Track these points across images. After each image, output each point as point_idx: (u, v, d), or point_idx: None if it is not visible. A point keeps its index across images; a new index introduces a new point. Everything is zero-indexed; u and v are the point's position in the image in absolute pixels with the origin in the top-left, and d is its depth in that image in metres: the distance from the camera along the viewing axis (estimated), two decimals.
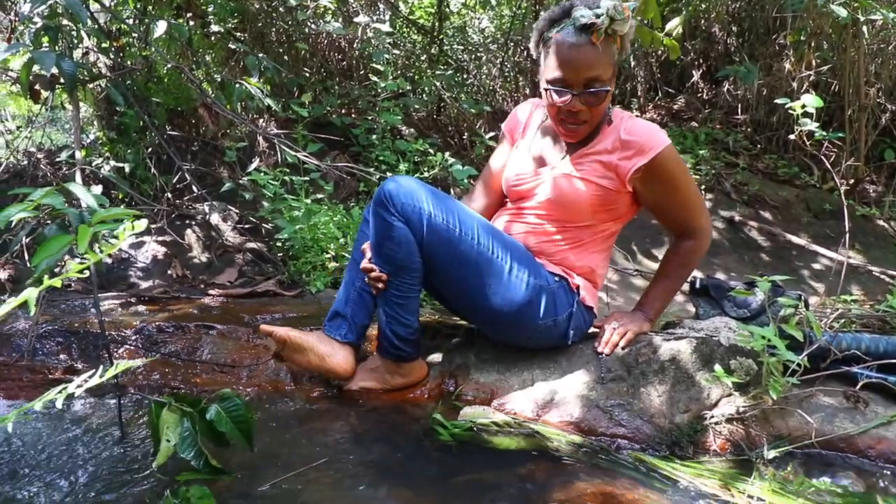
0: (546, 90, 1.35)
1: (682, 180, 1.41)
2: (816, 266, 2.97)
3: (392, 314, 1.41)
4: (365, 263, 1.42)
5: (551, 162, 1.47)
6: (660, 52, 4.52)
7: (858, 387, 1.34)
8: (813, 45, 3.66)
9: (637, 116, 1.43)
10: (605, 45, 1.29)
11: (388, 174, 3.09)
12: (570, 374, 1.43)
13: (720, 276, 2.85)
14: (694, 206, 1.44)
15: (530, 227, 1.47)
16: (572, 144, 1.45)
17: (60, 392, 0.73)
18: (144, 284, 2.43)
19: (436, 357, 1.59)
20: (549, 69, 1.33)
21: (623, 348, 1.42)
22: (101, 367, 0.79)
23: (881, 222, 3.40)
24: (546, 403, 1.40)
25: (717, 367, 1.31)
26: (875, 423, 1.28)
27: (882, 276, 2.78)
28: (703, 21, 4.60)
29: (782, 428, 1.30)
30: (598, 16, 1.26)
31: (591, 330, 1.53)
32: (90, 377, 0.76)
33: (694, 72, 4.70)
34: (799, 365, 1.28)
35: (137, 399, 1.44)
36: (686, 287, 1.63)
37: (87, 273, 0.72)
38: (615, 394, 1.37)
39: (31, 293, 0.65)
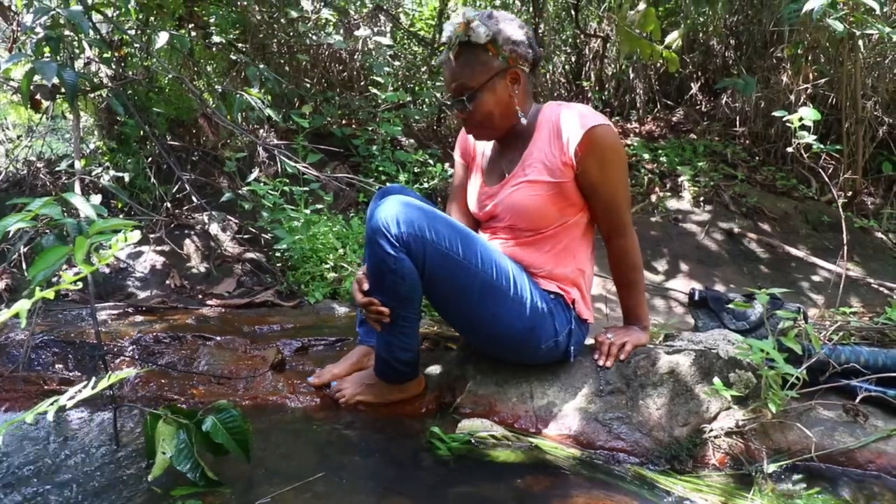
0: None
1: (619, 167, 1.37)
2: (815, 278, 2.97)
3: (395, 342, 1.38)
4: (362, 297, 1.35)
5: (503, 175, 1.46)
6: (658, 64, 4.55)
7: (858, 400, 1.34)
8: (810, 58, 3.68)
9: (580, 103, 1.44)
10: (469, 55, 1.34)
11: (388, 184, 3.09)
12: (568, 387, 1.42)
13: (719, 287, 2.85)
14: (624, 199, 1.41)
15: (510, 243, 1.44)
16: (515, 151, 1.44)
17: (52, 404, 0.72)
18: (142, 294, 2.42)
19: (434, 369, 1.59)
20: None
21: (623, 360, 1.41)
22: (94, 378, 0.78)
23: (879, 234, 3.41)
24: (544, 416, 1.39)
25: (716, 380, 1.30)
26: (874, 437, 1.27)
27: (881, 288, 2.78)
28: (701, 34, 4.64)
29: (782, 442, 1.29)
30: (451, 30, 1.34)
31: (588, 342, 1.52)
32: (82, 389, 0.75)
33: (692, 84, 4.73)
34: (798, 378, 1.27)
35: (133, 411, 1.42)
36: (685, 299, 1.62)
37: (80, 284, 0.71)
38: (614, 406, 1.36)
39: (23, 305, 0.64)
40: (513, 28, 1.35)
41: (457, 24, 1.32)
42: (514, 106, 1.38)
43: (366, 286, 1.35)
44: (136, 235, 0.73)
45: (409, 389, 1.48)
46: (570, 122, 1.35)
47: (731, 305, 1.58)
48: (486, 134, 1.43)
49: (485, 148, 1.55)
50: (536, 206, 1.38)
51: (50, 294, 0.67)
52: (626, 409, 1.35)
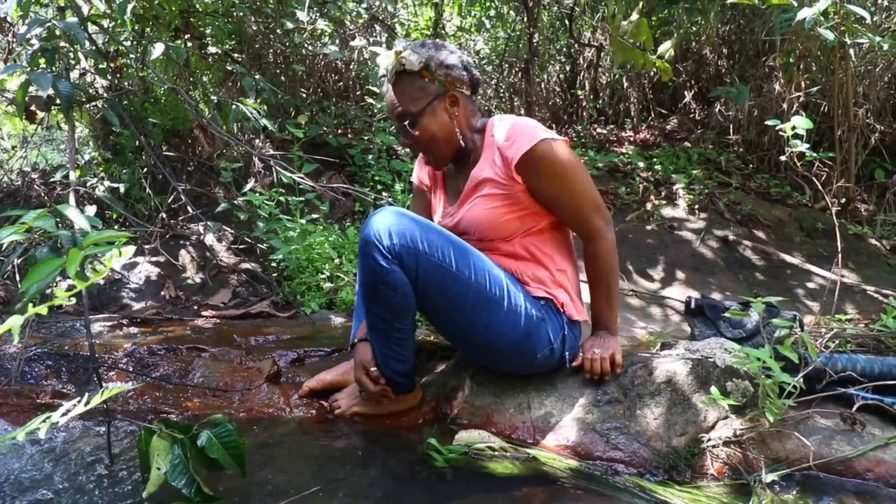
0: None
1: (570, 177, 1.36)
2: (811, 285, 2.98)
3: (391, 354, 1.37)
4: (373, 385, 1.38)
5: (458, 194, 1.47)
6: (652, 73, 4.58)
7: (855, 408, 1.33)
8: (802, 67, 3.71)
9: (521, 117, 1.44)
10: (406, 83, 1.38)
11: (384, 194, 3.09)
12: (566, 397, 1.42)
13: (715, 295, 2.85)
14: (587, 205, 1.40)
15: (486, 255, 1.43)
16: (467, 168, 1.45)
17: (44, 421, 0.71)
18: (137, 306, 2.40)
19: (430, 379, 1.58)
20: None
21: (619, 374, 1.40)
22: (87, 394, 0.77)
23: (873, 241, 3.42)
24: (542, 427, 1.38)
25: (714, 390, 1.30)
26: (872, 445, 1.27)
27: (876, 295, 2.78)
28: (694, 43, 4.67)
29: (780, 451, 1.28)
30: (386, 62, 1.38)
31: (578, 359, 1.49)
32: (75, 405, 0.74)
33: (686, 93, 4.76)
34: (795, 387, 1.27)
35: (127, 425, 1.41)
36: (682, 307, 1.62)
37: (73, 300, 0.70)
38: (611, 416, 1.35)
39: (15, 321, 0.64)
40: (444, 54, 1.39)
41: (390, 55, 1.37)
42: (455, 128, 1.41)
43: (382, 382, 1.40)
44: (130, 250, 0.72)
45: (407, 400, 1.47)
46: (509, 142, 1.37)
47: (727, 314, 1.58)
48: (438, 157, 1.45)
49: (440, 174, 1.57)
50: (495, 217, 1.39)
51: (43, 310, 0.66)
52: (623, 419, 1.34)
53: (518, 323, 1.35)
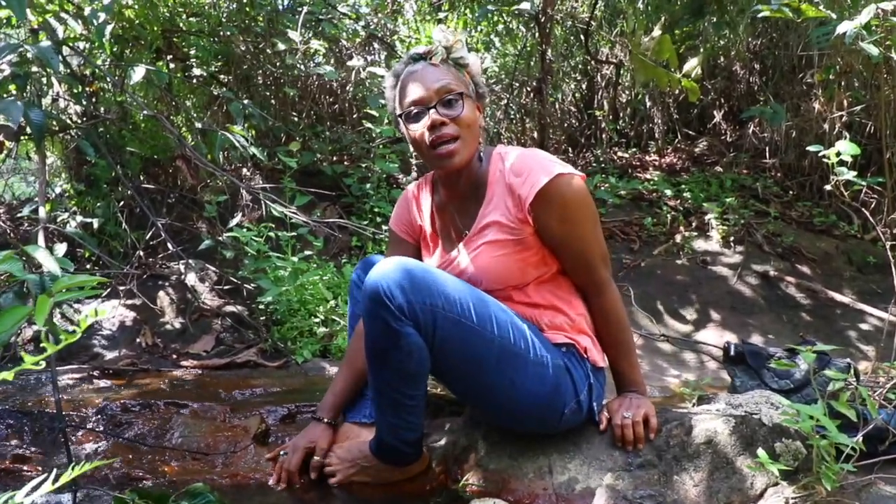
0: (406, 126, 1.39)
1: (583, 220, 1.36)
2: (864, 326, 2.95)
3: (402, 424, 1.35)
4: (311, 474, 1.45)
5: (460, 234, 1.46)
6: (677, 91, 4.64)
7: None
8: (843, 83, 3.76)
9: (532, 148, 1.45)
10: (450, 69, 1.40)
11: (384, 227, 3.11)
12: (592, 460, 1.39)
13: (756, 338, 2.82)
14: (597, 254, 1.39)
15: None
16: (470, 207, 1.43)
17: (6, 503, 0.70)
18: (109, 355, 2.40)
19: (437, 439, 1.56)
20: (402, 103, 1.40)
21: (655, 435, 1.37)
22: (55, 470, 0.76)
23: None
24: (566, 495, 1.35)
25: (761, 452, 1.27)
26: None
27: None
28: (722, 59, 4.75)
29: None
30: (441, 39, 1.40)
31: (604, 420, 1.44)
32: (41, 483, 0.73)
33: (715, 112, 4.82)
34: (854, 449, 1.24)
35: (97, 494, 1.39)
36: (719, 353, 1.60)
37: (42, 364, 0.70)
38: (645, 483, 1.32)
39: None
40: (479, 68, 1.46)
41: (448, 35, 1.40)
42: (480, 135, 1.43)
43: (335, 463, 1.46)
44: (106, 309, 0.72)
45: (412, 469, 1.45)
46: (521, 177, 1.35)
47: (771, 363, 1.56)
48: (463, 154, 1.37)
49: (429, 217, 1.54)
50: (506, 266, 1.37)
51: (9, 375, 0.66)
52: (658, 486, 1.31)
53: (546, 375, 1.32)
